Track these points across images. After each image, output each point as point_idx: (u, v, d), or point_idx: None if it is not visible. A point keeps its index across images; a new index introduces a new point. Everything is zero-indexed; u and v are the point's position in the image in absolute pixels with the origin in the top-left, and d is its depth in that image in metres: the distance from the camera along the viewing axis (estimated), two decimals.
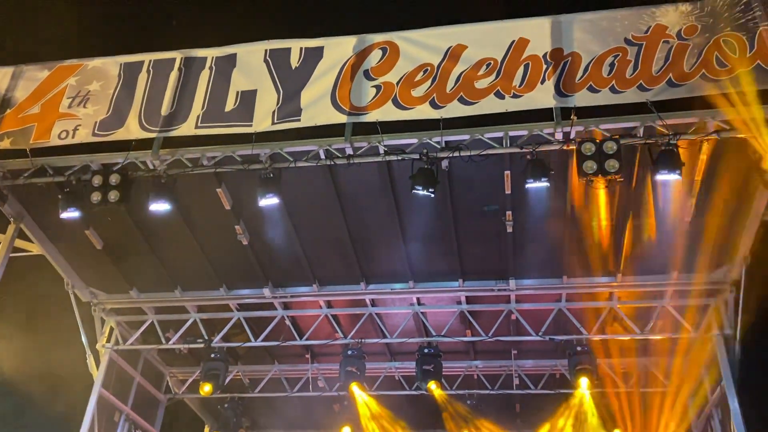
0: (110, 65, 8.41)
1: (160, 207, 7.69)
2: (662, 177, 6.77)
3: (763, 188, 7.14)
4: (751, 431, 8.35)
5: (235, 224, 8.75)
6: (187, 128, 7.80)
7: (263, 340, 10.37)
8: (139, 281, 10.06)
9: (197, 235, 9.13)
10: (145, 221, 8.59)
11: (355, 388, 10.27)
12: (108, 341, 10.44)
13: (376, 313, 10.27)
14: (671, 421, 9.90)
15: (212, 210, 8.59)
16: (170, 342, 10.49)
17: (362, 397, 11.04)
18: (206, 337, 10.27)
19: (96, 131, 7.95)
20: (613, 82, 7.02)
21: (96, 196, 7.58)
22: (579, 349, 9.44)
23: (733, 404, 8.52)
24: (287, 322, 10.37)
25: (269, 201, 7.58)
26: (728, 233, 8.12)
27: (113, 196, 7.54)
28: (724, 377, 8.71)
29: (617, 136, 6.84)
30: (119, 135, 7.89)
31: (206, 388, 10.11)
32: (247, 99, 7.82)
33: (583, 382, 9.48)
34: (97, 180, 7.61)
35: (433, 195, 7.31)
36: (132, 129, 7.87)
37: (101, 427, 9.92)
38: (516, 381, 11.16)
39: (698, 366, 9.55)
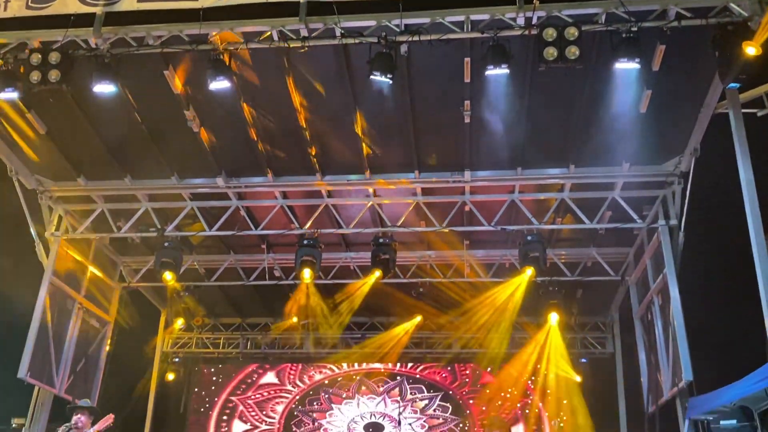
0: None
1: (104, 89, 7.28)
2: (621, 65, 6.70)
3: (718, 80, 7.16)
4: (688, 317, 8.78)
5: (185, 110, 8.41)
6: (129, 2, 7.29)
7: (218, 230, 10.28)
8: (86, 169, 9.72)
9: (145, 121, 8.76)
10: (90, 105, 8.18)
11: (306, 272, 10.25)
12: (57, 230, 10.19)
13: (332, 204, 10.22)
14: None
15: (160, 94, 8.19)
16: (122, 231, 10.31)
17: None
18: (159, 227, 10.10)
19: (30, 3, 7.37)
20: None
21: (35, 76, 7.11)
22: (529, 238, 9.64)
23: (674, 292, 8.90)
24: (242, 212, 10.25)
25: (220, 84, 7.24)
26: (680, 125, 8.20)
27: (54, 75, 7.09)
28: (667, 266, 9.04)
29: (579, 23, 6.69)
30: (56, 8, 7.31)
31: (168, 277, 10.05)
32: None
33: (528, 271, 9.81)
34: (35, 58, 7.11)
35: (391, 81, 7.09)
36: (69, 2, 7.32)
37: (54, 314, 9.86)
38: (467, 270, 11.42)
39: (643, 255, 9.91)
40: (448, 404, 13.68)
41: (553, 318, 11.82)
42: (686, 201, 8.77)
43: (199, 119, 8.59)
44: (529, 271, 9.80)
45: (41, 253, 10.03)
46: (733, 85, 6.72)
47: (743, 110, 7.33)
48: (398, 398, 13.65)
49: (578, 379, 12.70)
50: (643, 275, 10.34)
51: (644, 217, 9.56)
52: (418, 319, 11.96)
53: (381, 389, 13.88)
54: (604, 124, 8.17)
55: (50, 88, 7.13)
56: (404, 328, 13.73)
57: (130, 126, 8.77)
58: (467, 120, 8.33)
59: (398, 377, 13.92)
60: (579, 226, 9.83)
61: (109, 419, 7.31)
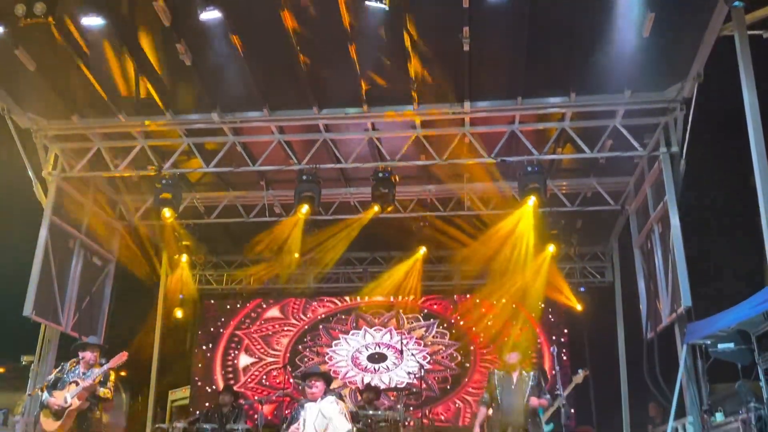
0: None
1: (92, 21, 7.12)
2: None
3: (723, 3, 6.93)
4: (688, 245, 8.78)
5: (176, 42, 8.18)
6: None
7: (215, 167, 10.19)
8: (80, 106, 9.55)
9: (136, 55, 8.52)
10: (79, 39, 7.97)
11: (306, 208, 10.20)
12: (54, 169, 10.10)
13: (330, 139, 10.08)
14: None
15: (151, 26, 7.97)
16: (118, 169, 10.22)
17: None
18: (156, 164, 10.01)
19: None
20: None
21: (20, 9, 6.94)
22: (529, 169, 9.55)
23: (674, 220, 8.87)
24: (239, 148, 10.12)
25: (210, 15, 7.05)
26: (683, 49, 7.98)
27: (39, 8, 6.90)
28: (668, 193, 8.98)
29: None
30: None
31: (167, 213, 10.02)
32: None
33: (531, 200, 9.75)
34: None
35: (386, 8, 6.89)
36: None
37: (56, 254, 9.87)
38: (467, 203, 11.38)
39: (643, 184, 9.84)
40: (445, 331, 13.90)
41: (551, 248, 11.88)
42: (688, 128, 8.63)
43: (190, 53, 8.36)
44: (532, 200, 9.74)
45: (39, 193, 9.97)
46: (737, 3, 6.50)
47: (749, 32, 7.12)
48: (398, 329, 13.87)
49: (579, 307, 12.86)
50: (643, 204, 10.30)
51: (645, 145, 9.44)
52: (422, 251, 11.95)
53: (378, 321, 14.07)
54: (606, 49, 7.93)
55: (36, 21, 6.93)
56: (406, 263, 13.83)
57: (120, 60, 8.56)
58: (466, 48, 8.09)
59: (395, 308, 14.11)
60: (579, 156, 9.73)
61: (122, 357, 7.40)
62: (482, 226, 11.99)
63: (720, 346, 7.46)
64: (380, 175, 10.12)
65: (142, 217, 11.77)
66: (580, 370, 9.42)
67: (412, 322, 14.07)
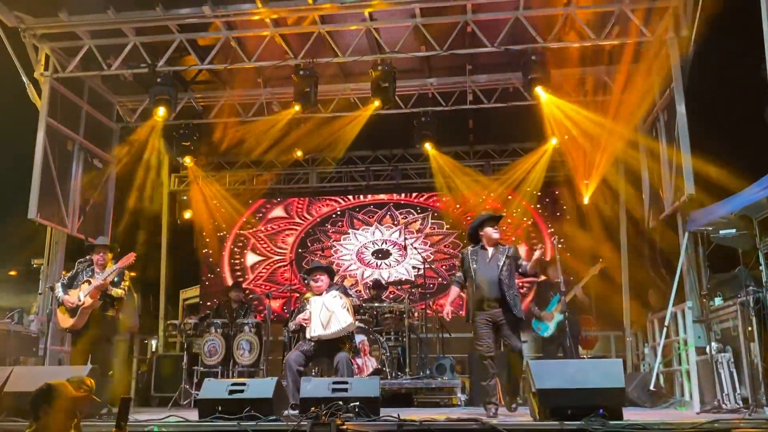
0: None
1: None
2: None
3: None
4: (693, 134, 8.64)
5: None
6: None
7: (209, 63, 9.91)
8: (67, 2, 9.19)
9: None
10: None
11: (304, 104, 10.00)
12: (46, 70, 9.85)
13: (326, 32, 9.74)
14: (619, 124, 10.22)
15: None
16: (112, 68, 9.96)
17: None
18: (149, 62, 9.74)
19: None
20: None
21: None
22: (533, 58, 9.24)
23: (680, 107, 8.67)
24: (233, 44, 9.83)
25: None
26: None
27: None
28: (674, 79, 8.74)
29: None
30: None
31: (160, 112, 9.83)
32: None
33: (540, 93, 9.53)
34: None
35: None
36: None
37: (55, 156, 9.78)
38: (470, 97, 11.14)
39: (650, 71, 9.56)
40: (441, 221, 14.00)
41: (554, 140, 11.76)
42: (698, 11, 8.28)
43: None
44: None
45: (33, 95, 9.78)
46: None
47: None
48: (396, 224, 13.99)
49: (586, 200, 12.87)
50: (649, 91, 10.05)
51: (653, 31, 9.10)
52: (428, 146, 11.81)
53: (373, 219, 14.16)
54: None
55: None
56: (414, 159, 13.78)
57: None
58: None
59: (388, 205, 14.18)
60: (586, 43, 9.41)
61: (130, 257, 7.51)
62: (486, 120, 11.83)
63: (722, 232, 7.50)
64: (380, 68, 9.84)
65: (139, 119, 11.59)
66: (599, 261, 9.47)
67: (406, 217, 14.16)
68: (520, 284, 7.39)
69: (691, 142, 8.55)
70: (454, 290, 7.25)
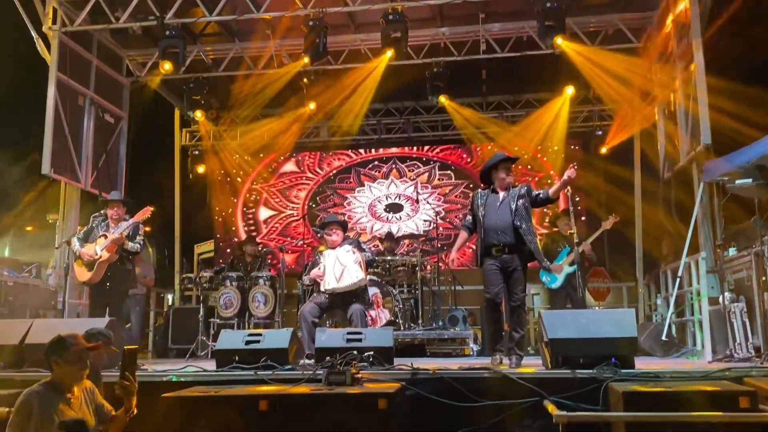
0: None
1: None
2: None
3: None
4: (710, 83, 8.45)
5: None
6: None
7: (218, 15, 9.78)
8: None
9: None
10: None
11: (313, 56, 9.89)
12: (54, 23, 9.77)
13: None
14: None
15: None
16: (120, 21, 9.85)
17: None
18: (157, 14, 9.63)
19: None
20: None
21: None
22: (548, 5, 9.04)
23: (698, 57, 8.40)
24: None
25: None
26: None
27: None
28: (692, 30, 8.51)
29: None
30: None
31: (166, 66, 9.78)
32: None
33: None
34: None
35: None
36: None
37: (66, 111, 9.78)
38: (483, 46, 10.95)
39: (666, 19, 9.34)
40: (448, 171, 13.95)
41: (569, 90, 11.60)
42: None
43: None
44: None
45: (42, 50, 9.72)
46: None
47: None
48: (399, 178, 13.96)
49: (604, 151, 12.79)
50: (665, 41, 9.84)
51: None
52: (442, 99, 11.68)
53: (379, 174, 14.12)
54: None
55: None
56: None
57: None
58: None
59: (393, 159, 14.12)
60: None
61: (146, 211, 7.52)
62: (499, 70, 11.65)
63: (737, 182, 7.40)
64: (390, 17, 9.67)
65: (149, 72, 11.52)
66: (612, 216, 9.35)
67: (413, 169, 14.11)
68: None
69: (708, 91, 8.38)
70: (463, 236, 6.80)
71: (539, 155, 13.49)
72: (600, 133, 13.24)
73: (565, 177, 6.25)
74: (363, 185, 14.15)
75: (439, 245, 10.96)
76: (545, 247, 9.38)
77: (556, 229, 9.45)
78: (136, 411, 4.05)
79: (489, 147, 13.54)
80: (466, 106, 13.17)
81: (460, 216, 13.24)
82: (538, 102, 13.18)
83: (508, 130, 13.38)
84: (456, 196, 13.75)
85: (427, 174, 13.99)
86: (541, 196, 6.52)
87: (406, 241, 12.91)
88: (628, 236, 11.61)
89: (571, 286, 8.70)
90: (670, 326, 8.86)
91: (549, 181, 13.27)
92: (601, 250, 10.15)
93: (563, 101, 12.27)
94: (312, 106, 13.22)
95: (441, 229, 11.20)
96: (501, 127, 13.42)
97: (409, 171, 14.08)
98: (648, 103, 10.64)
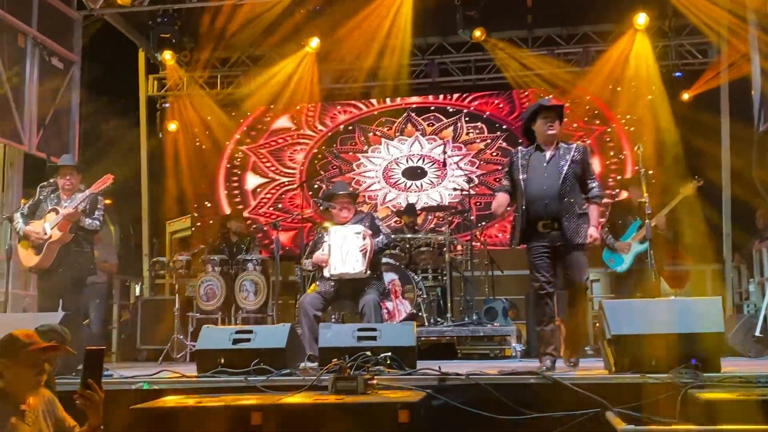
0: None
1: None
2: None
3: None
4: None
5: None
6: None
7: None
8: None
9: None
10: None
11: None
12: None
13: None
14: None
15: None
16: None
17: None
18: None
19: None
20: None
21: None
22: None
23: None
24: None
25: None
26: None
27: None
28: None
29: None
30: None
31: None
32: None
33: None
34: None
35: None
36: None
37: (3, 55, 9.77)
38: None
39: None
40: (478, 123, 13.86)
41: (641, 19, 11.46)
42: None
43: None
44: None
45: None
46: None
47: None
48: (431, 137, 13.92)
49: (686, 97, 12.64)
50: None
51: None
52: (477, 33, 11.54)
53: (392, 131, 14.08)
54: None
55: None
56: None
57: None
58: None
59: (407, 111, 14.08)
60: None
61: (106, 180, 7.54)
62: None
63: None
64: None
65: (106, 4, 11.50)
66: (695, 179, 9.15)
67: (433, 124, 14.02)
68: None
69: None
70: (500, 199, 6.46)
71: (598, 102, 13.38)
72: (680, 74, 13.07)
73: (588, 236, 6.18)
74: (386, 140, 14.06)
75: (474, 219, 10.94)
76: (611, 219, 9.34)
77: (626, 197, 9.33)
78: (103, 428, 4.09)
79: (542, 94, 13.36)
80: (507, 41, 13.05)
81: (499, 178, 13.21)
82: (598, 37, 13.01)
83: (566, 70, 13.24)
84: (492, 155, 13.65)
85: (452, 127, 13.89)
86: (590, 192, 6.35)
87: (432, 215, 12.89)
88: (712, 207, 11.52)
89: (642, 269, 8.67)
90: (765, 319, 8.82)
91: (610, 141, 13.20)
92: (670, 232, 10.03)
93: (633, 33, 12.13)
94: (311, 45, 13.14)
95: (476, 196, 11.14)
96: (558, 68, 13.26)
97: (428, 126, 13.97)
98: None
